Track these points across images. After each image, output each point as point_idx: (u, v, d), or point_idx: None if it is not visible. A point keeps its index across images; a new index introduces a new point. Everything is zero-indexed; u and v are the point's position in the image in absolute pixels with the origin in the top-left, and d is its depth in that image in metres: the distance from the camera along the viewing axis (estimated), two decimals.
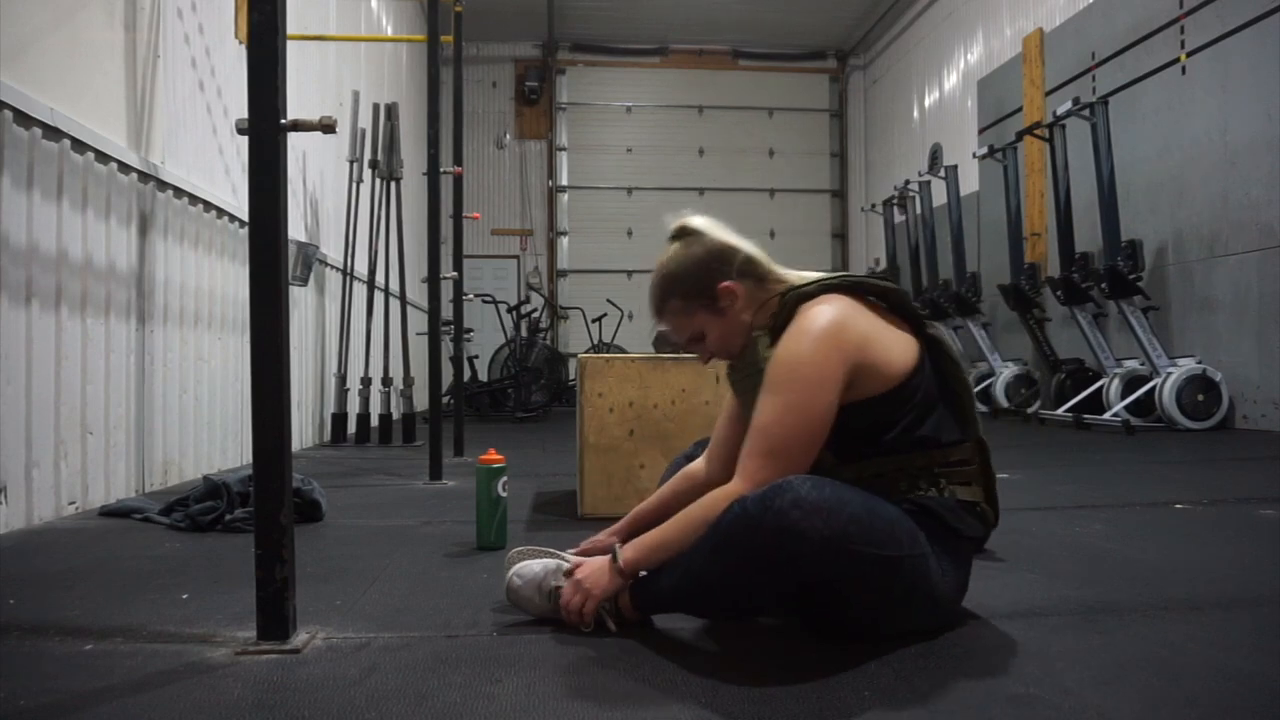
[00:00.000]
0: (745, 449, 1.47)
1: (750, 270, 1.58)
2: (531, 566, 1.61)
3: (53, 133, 2.76)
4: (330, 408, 5.86)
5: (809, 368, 1.44)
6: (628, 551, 1.51)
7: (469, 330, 7.27)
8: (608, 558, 1.54)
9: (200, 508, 2.62)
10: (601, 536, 1.80)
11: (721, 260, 1.58)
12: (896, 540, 1.39)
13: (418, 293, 7.54)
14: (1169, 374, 5.88)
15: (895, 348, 1.49)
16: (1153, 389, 6.02)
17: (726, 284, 1.56)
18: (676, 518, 1.50)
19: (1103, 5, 7.40)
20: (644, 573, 1.53)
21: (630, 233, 12.71)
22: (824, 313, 1.47)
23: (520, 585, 1.61)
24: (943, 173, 8.81)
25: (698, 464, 1.79)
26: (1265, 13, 5.67)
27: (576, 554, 1.75)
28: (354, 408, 5.89)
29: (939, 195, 9.15)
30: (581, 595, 1.52)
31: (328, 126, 1.61)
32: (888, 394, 1.47)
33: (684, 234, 1.63)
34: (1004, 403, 7.73)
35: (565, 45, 12.69)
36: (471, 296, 5.67)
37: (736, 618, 1.54)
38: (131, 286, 3.29)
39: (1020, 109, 8.61)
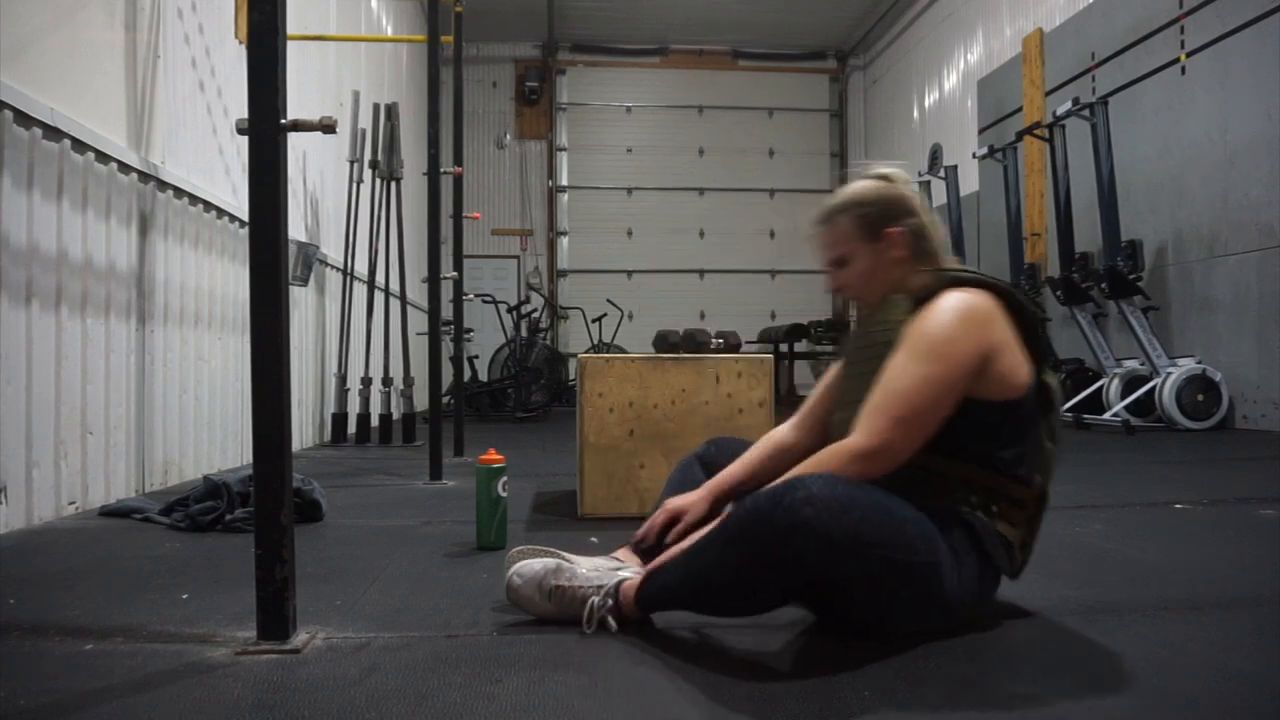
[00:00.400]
0: (873, 406, 1.47)
1: (920, 236, 1.60)
2: (531, 565, 1.61)
3: (53, 133, 2.76)
4: (330, 408, 5.86)
5: (955, 345, 1.46)
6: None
7: (469, 330, 7.27)
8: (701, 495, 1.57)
9: (200, 508, 2.62)
10: (688, 498, 1.72)
11: (904, 210, 1.60)
12: (908, 543, 1.39)
13: (418, 293, 7.54)
14: (1169, 374, 5.88)
15: (1019, 367, 1.51)
16: (1153, 389, 6.02)
17: (897, 229, 1.58)
18: (794, 472, 1.47)
19: (1103, 5, 7.40)
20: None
21: (630, 233, 12.71)
22: (976, 300, 1.50)
23: (520, 584, 1.60)
24: (943, 173, 8.81)
25: (784, 431, 1.79)
26: (1265, 13, 5.67)
27: (662, 515, 1.70)
28: (354, 408, 5.89)
29: (939, 195, 9.14)
30: (673, 516, 1.54)
31: (328, 126, 1.61)
32: (994, 404, 1.49)
33: (882, 177, 1.66)
34: None
35: (565, 45, 12.68)
36: (471, 296, 5.67)
37: (741, 614, 1.54)
38: (131, 286, 3.29)
39: (1020, 109, 8.61)
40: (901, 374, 1.47)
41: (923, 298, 1.54)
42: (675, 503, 1.71)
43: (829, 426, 1.66)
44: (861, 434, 1.46)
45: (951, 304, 1.49)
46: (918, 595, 1.42)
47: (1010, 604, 1.67)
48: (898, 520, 1.39)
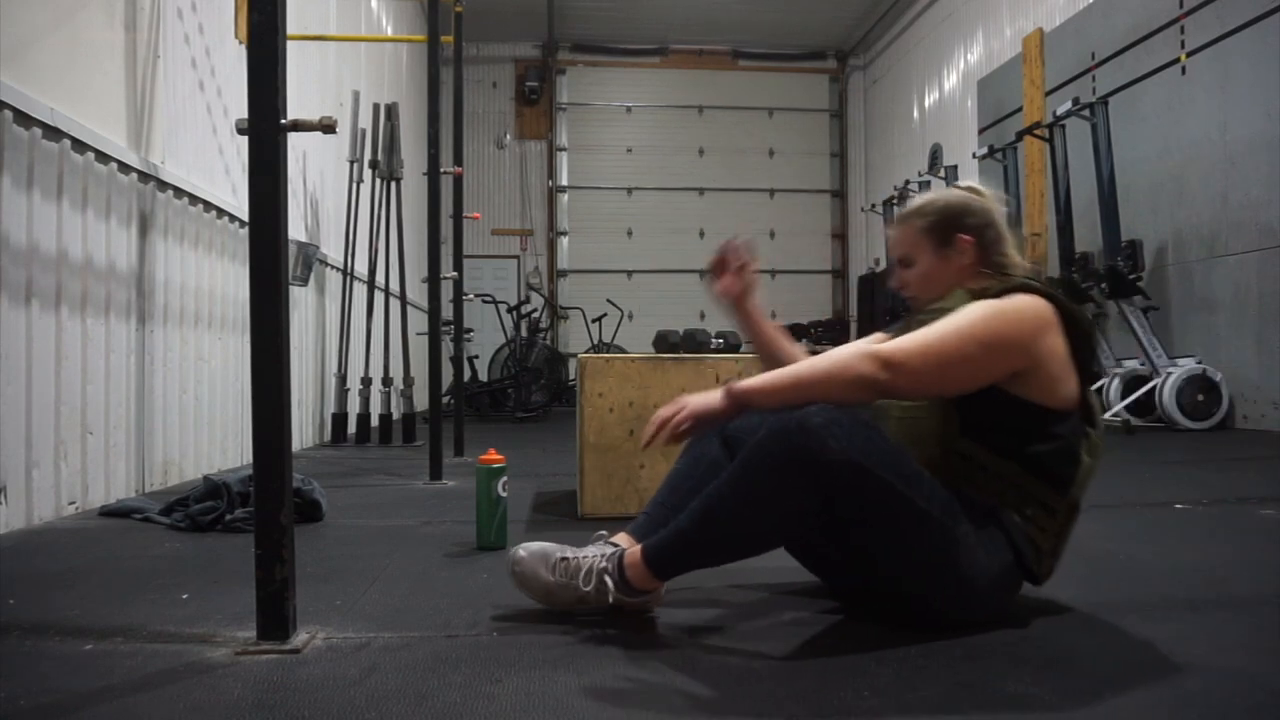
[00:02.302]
0: (907, 336, 1.51)
1: (991, 247, 1.63)
2: (538, 542, 1.63)
3: (53, 133, 2.76)
4: (330, 408, 5.86)
5: (999, 320, 1.49)
6: (743, 381, 1.52)
7: (469, 330, 7.27)
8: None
9: (200, 508, 2.62)
10: None
11: (978, 220, 1.63)
12: (924, 492, 1.44)
13: (418, 293, 7.53)
14: (1169, 374, 5.88)
15: (1068, 378, 1.54)
16: (1153, 389, 6.02)
17: (966, 236, 1.62)
18: (804, 361, 1.54)
19: (1103, 5, 7.40)
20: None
21: (630, 233, 12.72)
22: (1040, 305, 1.53)
23: (525, 557, 1.60)
24: (943, 173, 8.82)
25: None
26: (1265, 13, 5.67)
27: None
28: (354, 408, 5.89)
29: None
30: (677, 406, 1.53)
31: (328, 126, 1.61)
32: (1042, 409, 1.52)
33: (970, 189, 1.70)
34: None
35: (565, 45, 12.69)
36: (471, 296, 5.67)
37: (755, 551, 1.54)
38: (131, 286, 3.29)
39: (1020, 109, 8.61)
40: (942, 325, 1.51)
41: (986, 295, 1.56)
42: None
43: None
44: (887, 345, 1.49)
45: (1016, 302, 1.52)
46: (933, 558, 1.45)
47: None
48: (913, 468, 1.45)
